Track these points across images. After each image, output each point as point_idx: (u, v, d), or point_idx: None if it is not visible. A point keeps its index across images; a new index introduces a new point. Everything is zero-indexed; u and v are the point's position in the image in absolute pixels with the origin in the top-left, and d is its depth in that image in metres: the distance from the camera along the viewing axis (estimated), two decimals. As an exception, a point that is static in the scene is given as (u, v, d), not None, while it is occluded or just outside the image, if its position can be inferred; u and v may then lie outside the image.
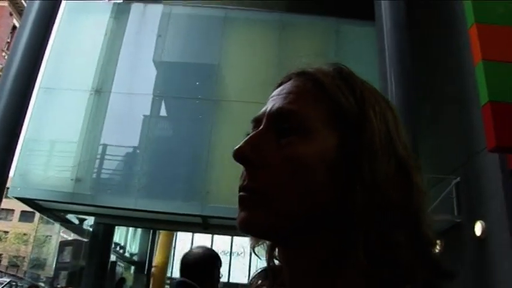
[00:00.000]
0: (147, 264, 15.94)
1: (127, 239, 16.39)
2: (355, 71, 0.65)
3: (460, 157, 8.03)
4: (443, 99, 8.81)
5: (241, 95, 9.41)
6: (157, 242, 16.11)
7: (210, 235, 16.76)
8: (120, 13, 9.62)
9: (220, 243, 18.71)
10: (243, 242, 19.35)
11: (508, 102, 6.08)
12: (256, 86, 9.71)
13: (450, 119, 8.54)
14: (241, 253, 19.59)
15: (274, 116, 0.63)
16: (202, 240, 18.04)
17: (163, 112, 9.70)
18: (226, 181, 8.50)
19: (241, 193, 0.61)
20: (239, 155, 0.61)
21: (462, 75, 7.84)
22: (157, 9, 9.79)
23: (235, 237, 18.16)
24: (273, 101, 0.65)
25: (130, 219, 9.24)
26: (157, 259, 15.52)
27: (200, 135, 8.99)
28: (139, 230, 16.46)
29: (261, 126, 0.63)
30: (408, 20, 7.35)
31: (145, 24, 9.64)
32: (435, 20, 9.18)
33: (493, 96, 6.10)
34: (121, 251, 15.24)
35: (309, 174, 0.58)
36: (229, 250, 19.79)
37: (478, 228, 6.86)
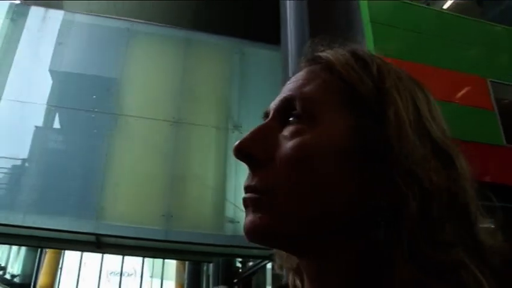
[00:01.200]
0: (32, 287, 15.05)
1: (8, 259, 15.40)
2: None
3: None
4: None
5: (142, 110, 9.27)
6: (43, 262, 15.32)
7: (100, 254, 16.22)
8: (18, 15, 9.10)
9: (110, 262, 18.12)
10: (134, 262, 18.90)
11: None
12: (157, 102, 9.67)
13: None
14: (132, 274, 19.07)
15: (279, 105, 0.57)
16: (92, 259, 17.38)
17: (57, 124, 9.34)
18: (123, 198, 8.35)
19: (245, 195, 0.53)
20: (240, 151, 0.53)
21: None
22: (59, 15, 9.41)
23: (126, 257, 17.68)
24: (282, 91, 0.59)
25: (16, 237, 8.69)
26: (42, 280, 14.71)
27: (96, 150, 8.72)
28: (23, 249, 15.55)
29: (267, 120, 0.57)
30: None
31: (45, 30, 9.15)
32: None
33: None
34: (0, 272, 14.30)
35: (317, 164, 0.50)
36: (119, 270, 19.19)
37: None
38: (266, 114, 0.58)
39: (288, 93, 0.56)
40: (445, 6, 10.07)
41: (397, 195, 0.47)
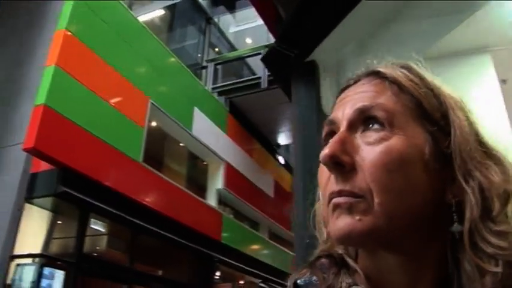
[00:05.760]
0: None
1: None
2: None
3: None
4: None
5: None
6: None
7: None
8: None
9: None
10: None
11: (59, 113, 6.54)
12: None
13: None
14: None
15: (357, 114, 0.61)
16: None
17: None
18: None
19: (338, 198, 0.58)
20: (332, 159, 0.58)
21: (29, 68, 7.77)
22: None
23: None
24: (348, 102, 0.64)
25: None
26: None
27: None
28: None
29: (343, 128, 0.62)
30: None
31: None
32: (31, 6, 8.98)
33: (49, 102, 6.43)
34: None
35: (408, 168, 0.58)
36: None
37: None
38: (331, 123, 0.65)
39: (362, 103, 0.62)
40: (143, 18, 10.59)
41: (461, 192, 0.58)
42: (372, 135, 0.59)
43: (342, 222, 0.57)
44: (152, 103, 8.84)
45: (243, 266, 11.18)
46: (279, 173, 14.43)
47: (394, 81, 0.63)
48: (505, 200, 0.58)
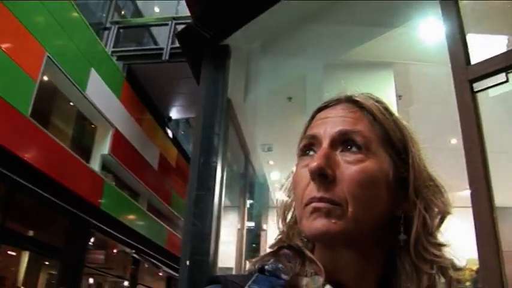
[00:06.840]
0: None
1: None
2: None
3: None
4: None
5: None
6: None
7: None
8: None
9: None
10: None
11: None
12: None
13: None
14: None
15: (338, 135, 0.73)
16: None
17: None
18: None
19: (318, 203, 0.69)
20: (319, 170, 0.69)
21: None
22: None
23: None
24: (329, 122, 0.76)
25: None
26: None
27: None
28: None
29: (324, 145, 0.73)
30: None
31: None
32: None
33: None
34: None
35: (376, 187, 0.71)
36: None
37: None
38: (313, 138, 0.76)
39: (343, 127, 0.74)
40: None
41: (411, 209, 0.74)
42: (351, 155, 0.72)
43: (319, 223, 0.68)
44: (48, 56, 8.32)
45: (118, 235, 11.00)
46: (165, 146, 14.32)
47: (369, 112, 0.76)
48: (441, 220, 0.75)
